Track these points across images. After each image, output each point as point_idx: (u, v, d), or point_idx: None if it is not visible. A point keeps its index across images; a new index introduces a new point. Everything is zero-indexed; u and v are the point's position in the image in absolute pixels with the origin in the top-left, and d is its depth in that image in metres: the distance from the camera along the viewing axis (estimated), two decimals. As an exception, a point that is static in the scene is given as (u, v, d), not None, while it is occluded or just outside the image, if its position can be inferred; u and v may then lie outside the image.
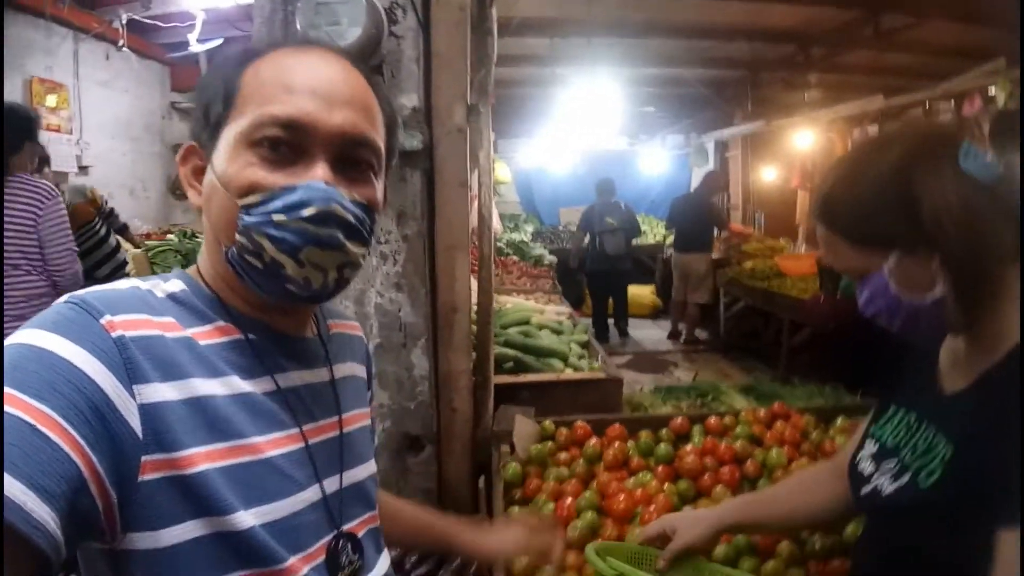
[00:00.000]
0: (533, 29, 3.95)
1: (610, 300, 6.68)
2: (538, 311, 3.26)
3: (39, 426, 0.49)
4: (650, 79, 5.42)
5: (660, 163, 9.10)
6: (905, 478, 0.92)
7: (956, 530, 0.83)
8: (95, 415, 0.53)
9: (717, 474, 1.62)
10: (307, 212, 0.60)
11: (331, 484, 0.71)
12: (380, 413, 1.71)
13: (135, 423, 0.55)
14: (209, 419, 0.60)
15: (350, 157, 0.66)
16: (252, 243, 0.61)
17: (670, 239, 6.75)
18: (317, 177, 0.62)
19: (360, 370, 0.85)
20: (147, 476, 0.55)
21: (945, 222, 0.81)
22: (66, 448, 0.50)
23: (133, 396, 0.56)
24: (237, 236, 0.62)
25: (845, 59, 5.01)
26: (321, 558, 0.67)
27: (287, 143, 0.62)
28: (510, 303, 3.45)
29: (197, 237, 2.25)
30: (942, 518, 0.85)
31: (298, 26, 1.36)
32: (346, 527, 0.71)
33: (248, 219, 0.61)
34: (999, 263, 0.82)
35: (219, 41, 4.41)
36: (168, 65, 5.98)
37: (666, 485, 1.60)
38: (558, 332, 2.86)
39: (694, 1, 3.82)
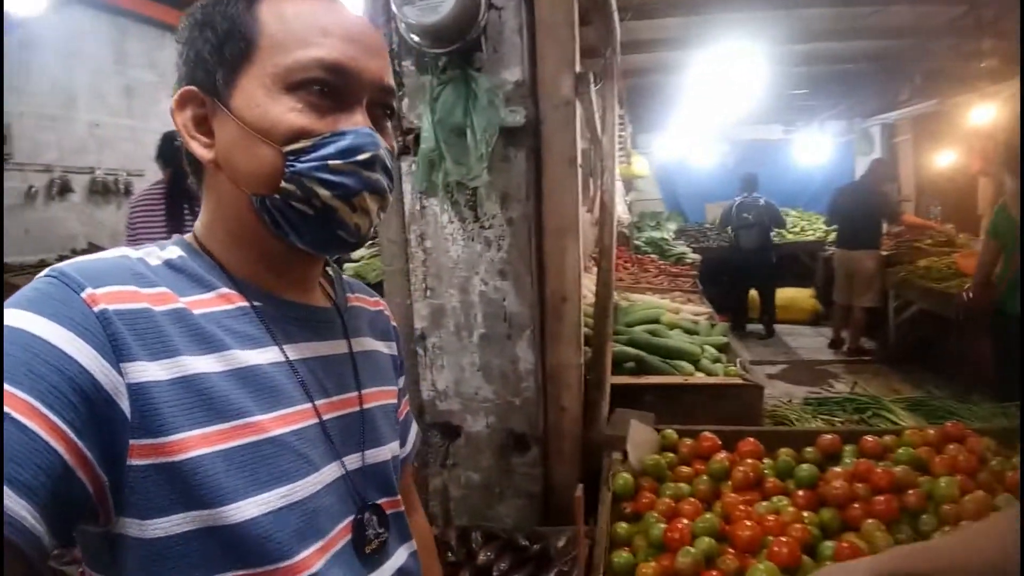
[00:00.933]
0: (662, 7, 3.65)
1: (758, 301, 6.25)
2: (672, 310, 3.02)
3: (15, 414, 0.46)
4: (799, 57, 4.82)
5: (818, 152, 8.23)
6: None
7: None
8: (80, 398, 0.49)
9: (870, 504, 1.33)
10: (361, 157, 0.60)
11: (352, 462, 0.67)
12: (484, 408, 1.63)
13: (124, 403, 0.52)
14: (203, 399, 0.55)
15: (381, 104, 0.65)
16: (303, 190, 0.59)
17: (832, 236, 6.07)
18: (359, 123, 0.61)
19: (382, 347, 0.80)
20: (135, 461, 0.52)
21: None
22: (45, 436, 0.47)
23: (121, 374, 0.52)
24: (284, 184, 0.59)
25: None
26: (342, 542, 0.64)
27: (332, 88, 0.60)
28: (641, 301, 3.23)
29: None
30: None
31: (392, 3, 1.31)
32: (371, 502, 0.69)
33: (300, 166, 0.59)
34: None
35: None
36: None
37: (805, 514, 1.34)
38: (692, 332, 2.61)
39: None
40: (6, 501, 0.44)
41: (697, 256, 6.45)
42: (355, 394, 0.70)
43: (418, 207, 1.55)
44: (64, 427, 0.48)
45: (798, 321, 6.87)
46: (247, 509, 0.55)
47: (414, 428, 0.91)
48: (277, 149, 0.59)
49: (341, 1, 0.66)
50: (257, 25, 0.61)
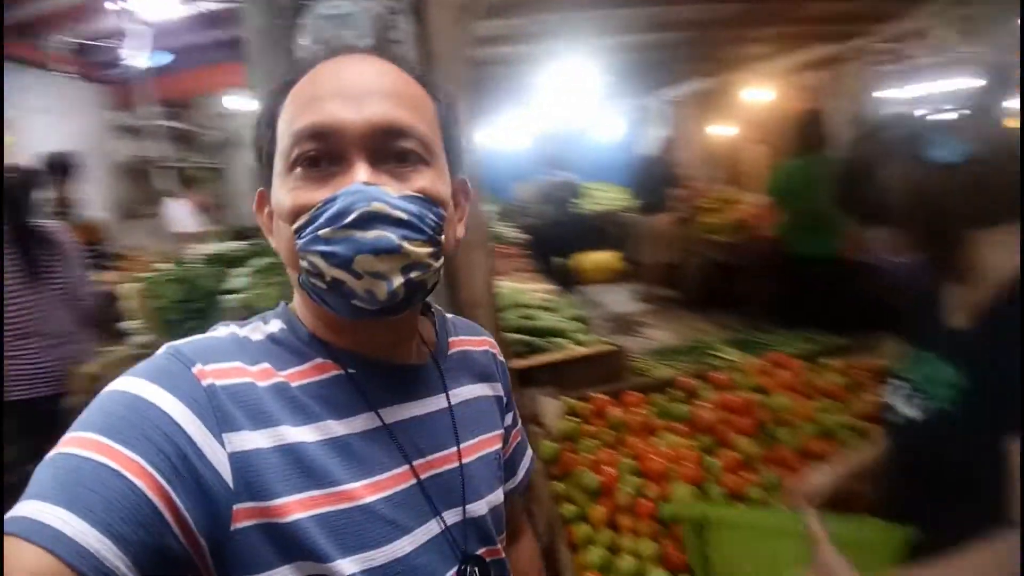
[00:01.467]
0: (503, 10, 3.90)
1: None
2: (529, 291, 3.34)
3: (123, 471, 0.49)
4: (610, 49, 5.49)
5: (619, 130, 9.26)
6: (926, 403, 1.07)
7: (971, 443, 0.98)
8: (183, 462, 0.53)
9: (732, 424, 1.77)
10: (349, 219, 0.56)
11: (452, 516, 0.68)
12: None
13: (225, 472, 0.55)
14: (301, 467, 0.58)
15: (393, 150, 0.61)
16: (311, 265, 0.59)
17: (632, 203, 6.95)
18: (357, 180, 0.58)
19: (486, 389, 0.81)
20: (240, 524, 0.55)
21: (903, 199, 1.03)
22: (149, 493, 0.50)
23: (223, 444, 0.56)
24: (300, 262, 0.60)
25: (798, 11, 5.18)
26: None
27: (323, 154, 0.60)
28: (504, 287, 3.53)
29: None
30: (959, 433, 1.01)
31: (306, 41, 1.36)
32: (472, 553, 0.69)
33: (300, 242, 0.59)
34: (962, 226, 1.02)
35: (167, 57, 4.28)
36: (106, 84, 5.75)
37: (689, 441, 1.74)
38: (552, 310, 2.96)
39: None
40: (105, 552, 0.46)
41: (523, 235, 6.93)
42: (454, 450, 0.71)
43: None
44: (167, 487, 0.51)
45: (608, 281, 7.75)
46: (345, 567, 0.58)
47: (527, 456, 0.91)
48: (289, 230, 0.61)
49: (360, 56, 0.65)
50: (278, 116, 0.64)
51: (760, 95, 6.29)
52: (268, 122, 0.66)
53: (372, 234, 0.57)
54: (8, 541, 0.45)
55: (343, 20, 1.36)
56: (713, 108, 7.45)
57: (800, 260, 3.69)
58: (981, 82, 3.91)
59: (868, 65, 5.49)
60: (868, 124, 1.17)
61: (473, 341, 0.83)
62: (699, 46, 5.71)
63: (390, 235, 0.57)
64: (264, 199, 0.68)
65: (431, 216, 0.60)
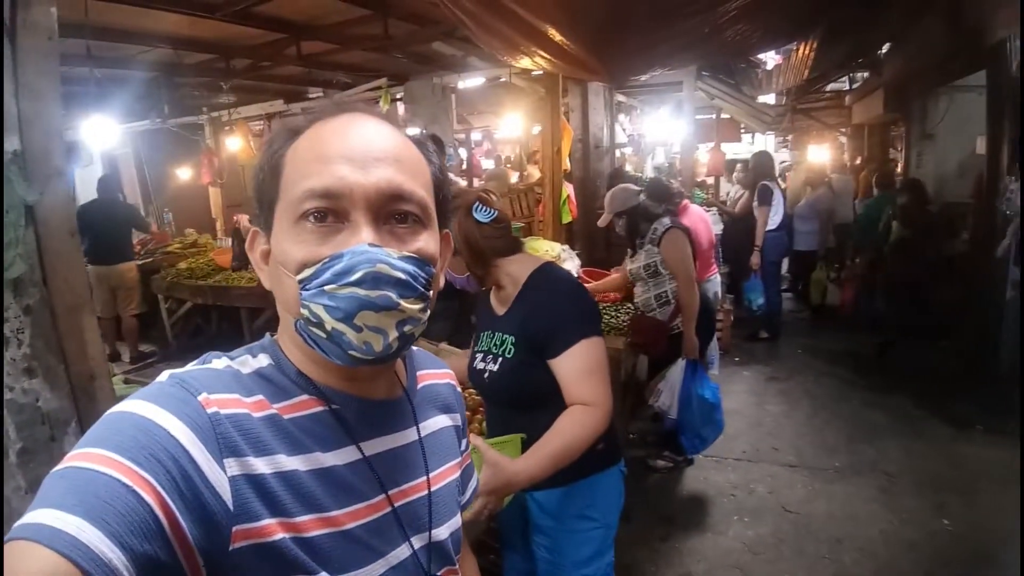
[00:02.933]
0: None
1: None
2: None
3: (134, 486, 0.51)
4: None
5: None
6: (499, 359, 1.68)
7: (533, 370, 1.61)
8: (187, 483, 0.54)
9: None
10: (354, 277, 0.60)
11: (419, 540, 0.74)
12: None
13: (226, 494, 0.57)
14: (296, 493, 0.62)
15: (394, 212, 0.65)
16: (313, 315, 0.62)
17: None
18: (362, 240, 0.62)
19: (448, 420, 0.86)
20: (238, 544, 0.57)
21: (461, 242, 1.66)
22: (156, 509, 0.51)
23: (224, 469, 0.58)
24: (301, 310, 0.63)
25: (269, 71, 5.57)
26: None
27: (329, 212, 0.63)
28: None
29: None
30: (524, 369, 1.63)
31: None
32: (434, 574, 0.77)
33: (305, 294, 0.62)
34: (491, 256, 1.69)
35: None
36: None
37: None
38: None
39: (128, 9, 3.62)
40: (116, 562, 0.47)
41: None
42: (424, 479, 0.76)
43: None
44: (171, 504, 0.52)
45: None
46: None
47: (474, 477, 0.96)
48: (293, 279, 0.63)
49: (363, 117, 0.68)
50: (282, 167, 0.66)
51: (221, 140, 6.41)
52: (273, 170, 0.67)
53: (375, 293, 0.61)
54: (23, 546, 0.46)
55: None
56: (161, 149, 7.07)
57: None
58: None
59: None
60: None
61: (437, 374, 0.89)
62: (166, 88, 5.48)
63: (390, 294, 0.61)
64: (259, 238, 0.70)
65: (423, 275, 0.65)
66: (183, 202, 7.31)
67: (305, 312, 0.62)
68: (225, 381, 0.64)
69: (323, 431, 0.67)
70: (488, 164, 11.04)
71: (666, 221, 3.38)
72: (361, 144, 0.65)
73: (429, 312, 0.68)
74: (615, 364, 3.36)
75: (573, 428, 1.50)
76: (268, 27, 4.42)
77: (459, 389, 0.93)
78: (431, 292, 0.68)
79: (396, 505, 0.71)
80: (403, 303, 0.62)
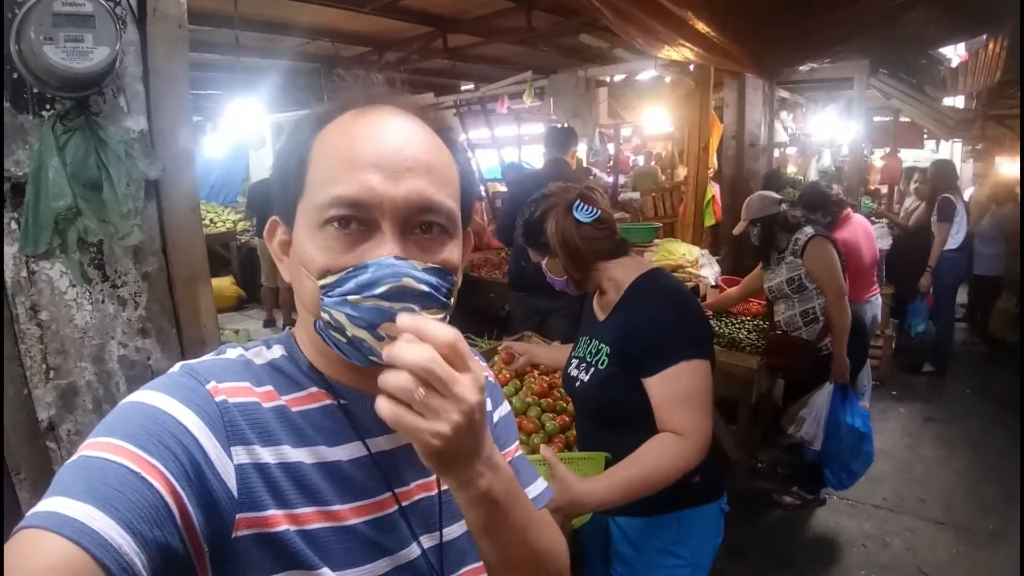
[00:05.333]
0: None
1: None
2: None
3: (144, 474, 0.52)
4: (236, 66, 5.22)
5: (221, 147, 8.48)
6: (591, 369, 1.55)
7: (625, 387, 1.47)
8: (194, 469, 0.56)
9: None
10: (379, 290, 0.59)
11: (429, 540, 0.72)
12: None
13: (231, 482, 0.58)
14: (299, 485, 0.63)
15: (421, 223, 0.64)
16: (334, 320, 0.61)
17: (246, 225, 6.55)
18: (386, 252, 0.61)
19: None
20: (241, 532, 0.58)
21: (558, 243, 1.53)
22: (166, 496, 0.52)
23: (230, 457, 0.59)
24: (321, 312, 0.62)
25: (417, 63, 5.90)
26: None
27: (355, 219, 0.62)
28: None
29: None
30: (615, 384, 1.50)
31: (32, 35, 1.05)
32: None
33: (326, 300, 0.61)
34: (592, 260, 1.55)
35: None
36: None
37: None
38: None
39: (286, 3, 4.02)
40: (127, 548, 0.48)
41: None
42: (433, 478, 0.74)
43: (24, 274, 1.25)
44: (180, 491, 0.53)
45: (226, 308, 7.16)
46: None
47: (538, 478, 0.92)
48: (314, 282, 0.62)
49: (396, 115, 0.66)
50: (308, 159, 0.64)
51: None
52: (299, 162, 0.66)
53: (398, 305, 0.59)
54: (32, 533, 0.46)
55: (77, 22, 1.11)
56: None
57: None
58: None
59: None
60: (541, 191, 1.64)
61: None
62: (324, 77, 5.92)
63: (413, 306, 0.60)
64: (278, 227, 0.71)
65: (445, 285, 0.64)
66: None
67: (326, 316, 0.62)
68: (236, 370, 0.66)
69: (330, 425, 0.68)
70: (638, 160, 10.70)
71: (808, 230, 3.02)
72: (392, 150, 0.63)
73: (448, 319, 0.66)
74: (746, 385, 3.09)
75: (656, 458, 1.36)
76: (415, 20, 4.62)
77: (492, 379, 0.88)
78: (451, 300, 0.67)
79: (403, 504, 0.70)
80: (424, 314, 0.61)
